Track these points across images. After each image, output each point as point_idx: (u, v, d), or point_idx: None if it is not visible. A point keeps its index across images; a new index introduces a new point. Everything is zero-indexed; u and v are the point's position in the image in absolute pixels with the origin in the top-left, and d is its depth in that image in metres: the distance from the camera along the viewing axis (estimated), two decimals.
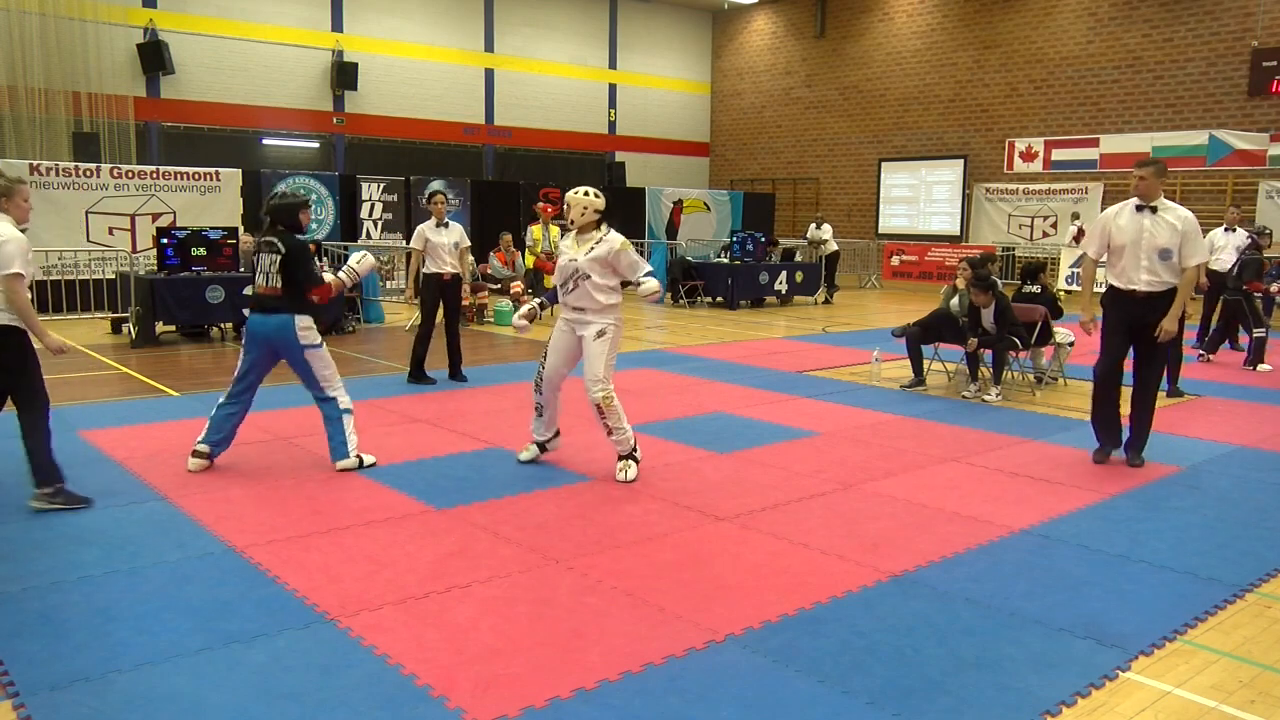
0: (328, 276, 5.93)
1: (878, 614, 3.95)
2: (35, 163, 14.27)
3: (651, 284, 5.88)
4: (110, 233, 14.41)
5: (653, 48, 27.36)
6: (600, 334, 5.90)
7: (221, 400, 5.95)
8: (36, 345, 4.96)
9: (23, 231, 4.99)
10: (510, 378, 9.38)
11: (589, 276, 5.85)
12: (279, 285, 5.75)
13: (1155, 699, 3.30)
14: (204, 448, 5.87)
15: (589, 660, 3.49)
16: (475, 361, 10.06)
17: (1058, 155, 21.20)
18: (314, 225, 16.71)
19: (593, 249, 5.88)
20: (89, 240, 14.14)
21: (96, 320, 12.88)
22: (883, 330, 12.86)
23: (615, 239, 5.94)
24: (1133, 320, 6.13)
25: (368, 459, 6.03)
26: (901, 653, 3.58)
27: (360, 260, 6.14)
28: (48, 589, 4.07)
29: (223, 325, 12.20)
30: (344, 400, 5.97)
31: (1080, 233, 18.88)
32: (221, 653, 3.51)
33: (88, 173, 14.43)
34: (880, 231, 24.47)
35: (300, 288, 5.76)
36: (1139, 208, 6.07)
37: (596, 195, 6.02)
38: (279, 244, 5.74)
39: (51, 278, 13.25)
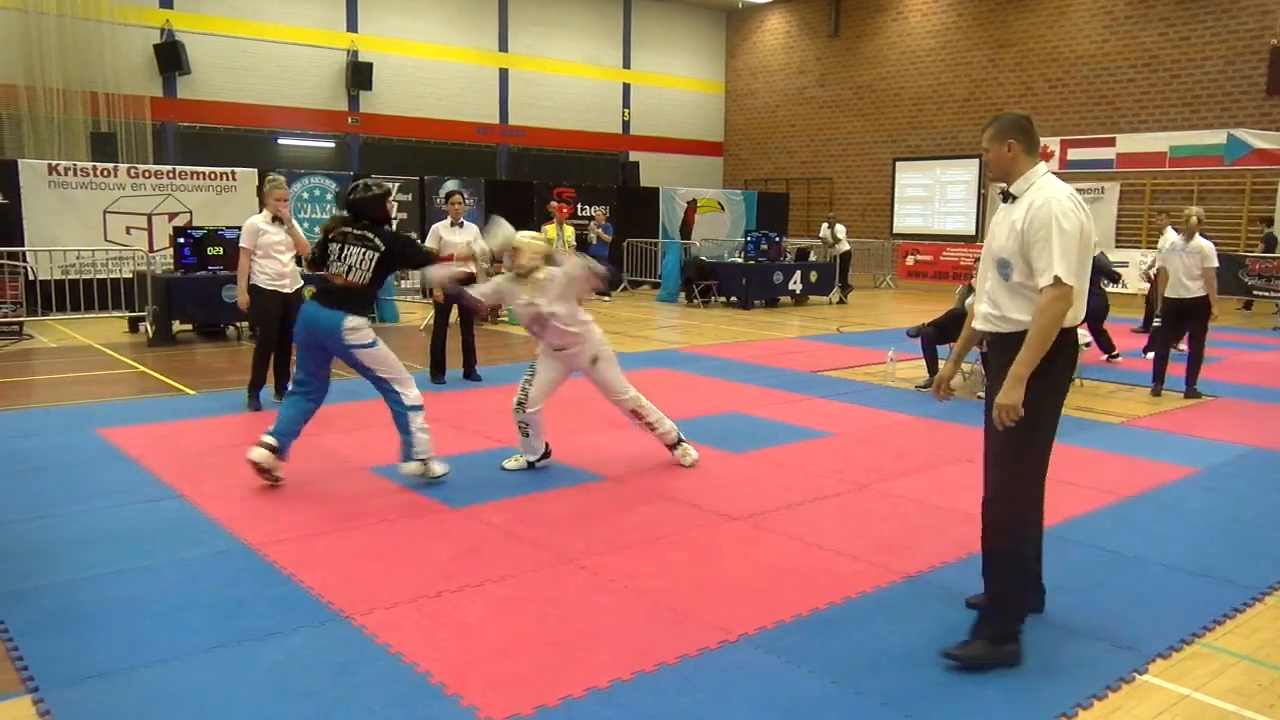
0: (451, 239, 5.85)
1: (891, 615, 3.93)
2: (54, 163, 14.37)
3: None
4: (127, 232, 14.49)
5: (667, 47, 27.35)
6: (595, 360, 5.98)
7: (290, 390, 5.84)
8: None
9: None
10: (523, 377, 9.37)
11: (555, 314, 5.83)
12: (367, 280, 5.56)
13: (1172, 703, 3.28)
14: (269, 440, 5.57)
15: (602, 659, 3.49)
16: (489, 361, 10.07)
17: (1074, 155, 21.07)
18: None
19: (546, 288, 5.80)
20: (106, 239, 14.22)
21: (114, 319, 12.95)
22: (897, 330, 12.82)
23: (559, 268, 5.84)
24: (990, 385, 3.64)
25: (437, 469, 5.68)
26: (915, 654, 3.57)
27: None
28: (65, 586, 4.10)
29: (238, 324, 12.25)
30: (409, 395, 5.64)
31: None
32: (238, 650, 3.53)
33: (105, 172, 14.52)
34: (895, 231, 24.38)
35: (378, 285, 5.67)
36: (1002, 195, 3.65)
37: (535, 237, 6.06)
38: (376, 240, 5.54)
39: (70, 277, 13.34)
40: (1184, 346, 9.22)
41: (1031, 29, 21.77)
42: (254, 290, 7.59)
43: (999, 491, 3.55)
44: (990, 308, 3.55)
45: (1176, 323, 9.00)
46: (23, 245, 12.87)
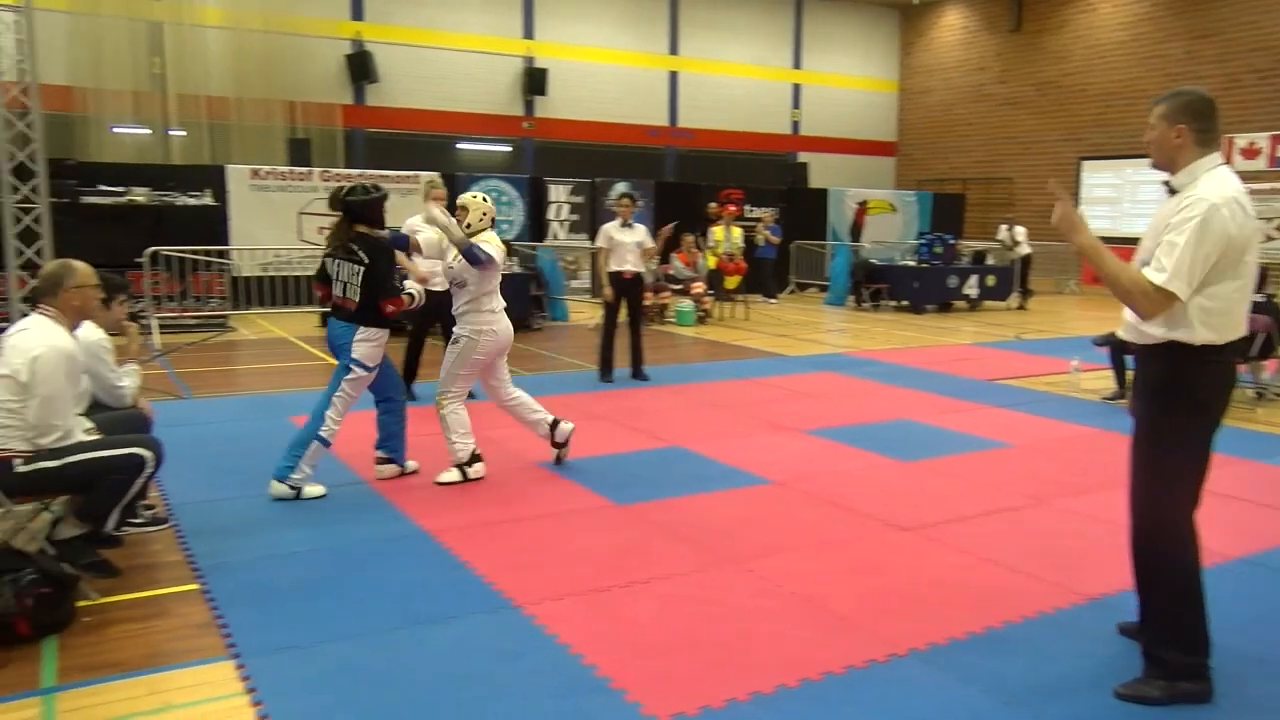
0: (415, 287, 5.59)
1: (1072, 638, 3.74)
2: (256, 167, 15.43)
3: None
4: (320, 232, 15.37)
5: (838, 46, 26.90)
6: (454, 341, 5.80)
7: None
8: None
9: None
10: (691, 377, 9.44)
11: (467, 283, 5.67)
12: (356, 298, 5.37)
13: None
14: (379, 453, 5.85)
15: (766, 664, 3.47)
16: (656, 361, 10.17)
17: None
18: (504, 226, 17.33)
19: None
20: (301, 239, 15.16)
21: (307, 314, 13.78)
22: (1082, 338, 12.17)
23: (496, 241, 5.78)
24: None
25: (310, 492, 5.36)
26: (1100, 681, 3.38)
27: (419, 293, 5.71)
28: (263, 561, 4.40)
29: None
30: (329, 427, 5.42)
31: None
32: (414, 631, 3.70)
33: (300, 176, 15.48)
34: None
35: (375, 301, 5.34)
36: (1166, 187, 3.32)
37: (485, 199, 5.92)
38: (361, 253, 5.31)
39: (268, 274, 14.29)
40: None
41: (1236, 16, 20.22)
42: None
43: (1147, 512, 3.33)
44: (1131, 315, 3.21)
45: None
46: (228, 244, 13.89)
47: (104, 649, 3.53)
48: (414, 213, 8.15)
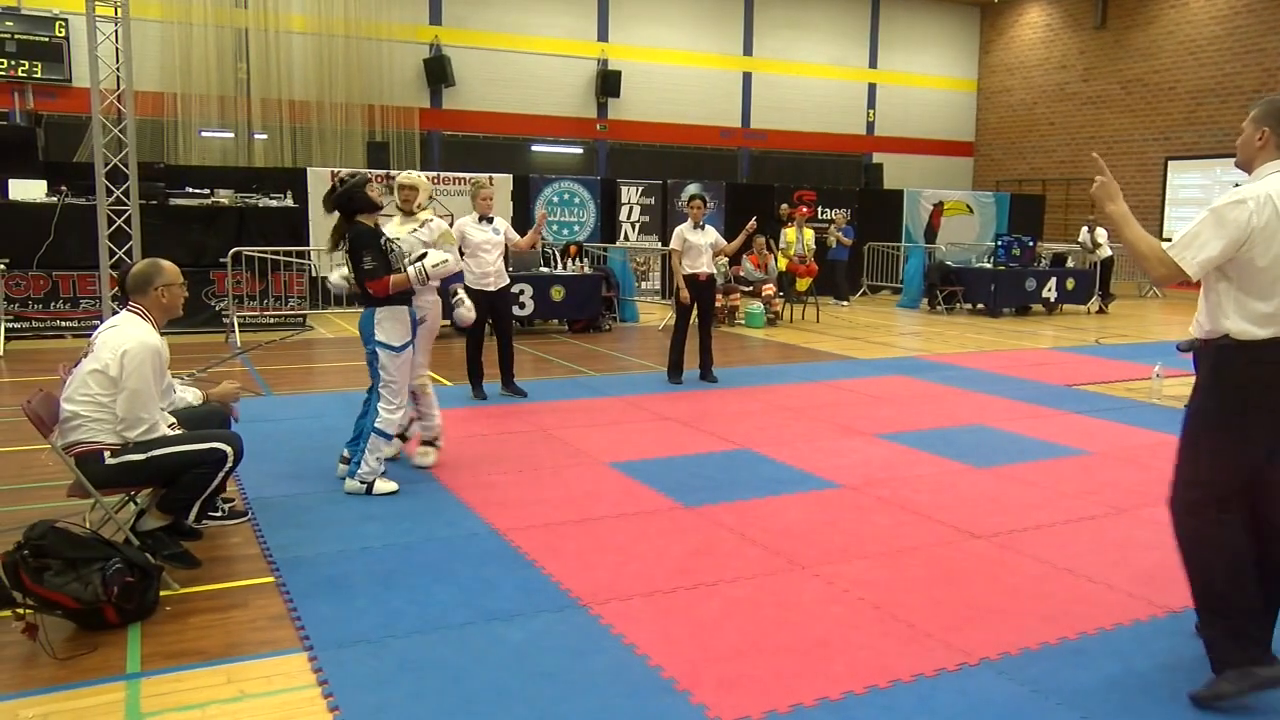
0: (411, 271, 5.38)
1: (1152, 651, 3.63)
2: (335, 170, 15.78)
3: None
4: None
5: (916, 45, 26.50)
6: (422, 320, 5.88)
7: None
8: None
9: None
10: (761, 380, 9.39)
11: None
12: (351, 279, 5.63)
13: None
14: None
15: (834, 670, 3.43)
16: (725, 363, 10.14)
17: None
18: (576, 226, 17.45)
19: (415, 230, 6.14)
20: None
21: None
22: (1165, 343, 11.80)
23: (438, 221, 6.17)
24: None
25: (383, 487, 5.44)
26: (1179, 696, 3.27)
27: (437, 265, 5.45)
28: (339, 556, 4.50)
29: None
30: (384, 418, 5.48)
31: None
32: (483, 628, 3.74)
33: (378, 179, 15.76)
34: (1165, 236, 22.46)
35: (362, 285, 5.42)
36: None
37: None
38: (347, 239, 5.46)
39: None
40: None
41: None
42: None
43: (1173, 496, 3.34)
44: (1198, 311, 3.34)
45: None
46: (308, 245, 14.22)
47: (185, 638, 3.64)
48: (503, 215, 8.28)
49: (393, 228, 6.13)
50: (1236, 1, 21.25)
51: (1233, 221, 3.08)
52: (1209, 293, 3.24)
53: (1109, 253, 18.13)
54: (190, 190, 13.65)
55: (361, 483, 5.43)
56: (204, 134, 18.89)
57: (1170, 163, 22.48)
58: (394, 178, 7.17)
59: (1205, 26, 21.89)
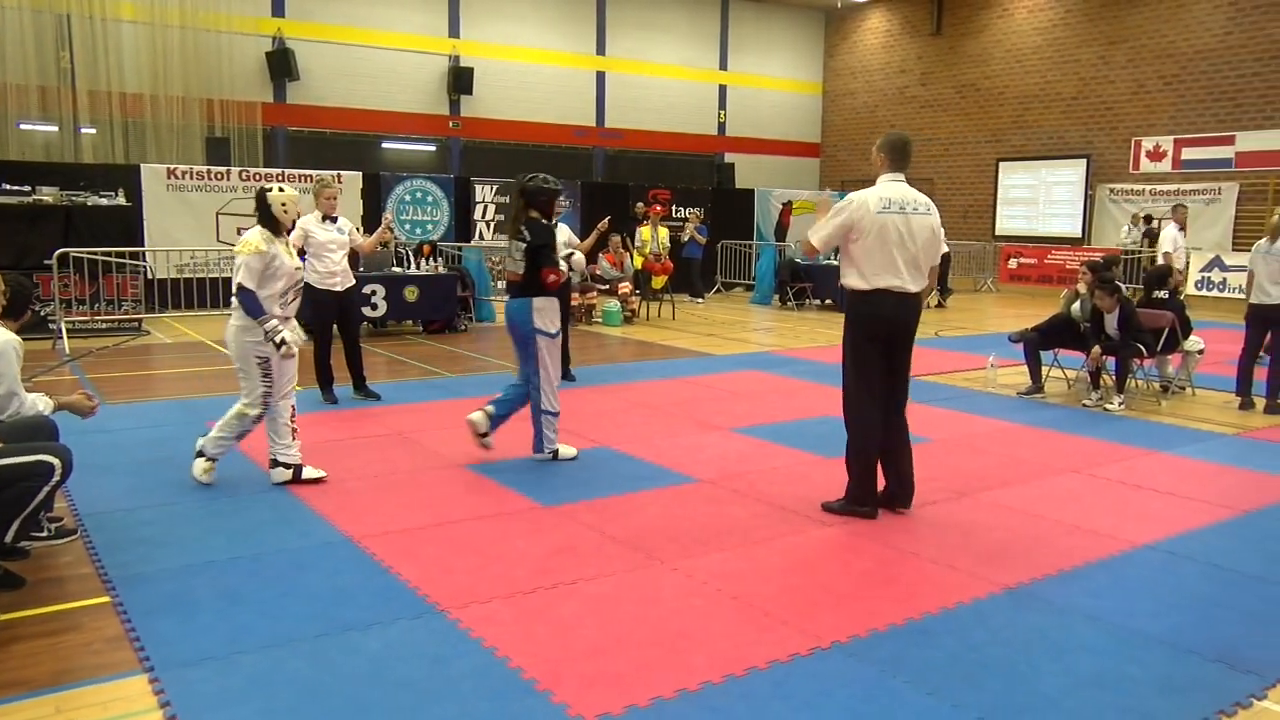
0: (563, 266, 6.26)
1: (991, 627, 3.83)
2: (172, 166, 15.03)
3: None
4: (238, 233, 15.01)
5: (764, 48, 27.16)
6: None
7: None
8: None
9: None
10: (618, 377, 9.44)
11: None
12: (521, 271, 6.05)
13: None
14: (489, 408, 6.32)
15: (693, 661, 3.48)
16: (583, 361, 10.16)
17: (1188, 154, 20.18)
18: (429, 225, 17.15)
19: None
20: (219, 240, 14.79)
21: (226, 316, 13.45)
22: (998, 335, 12.47)
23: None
24: None
25: (566, 452, 6.24)
26: (1015, 668, 3.47)
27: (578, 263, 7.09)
28: (180, 572, 4.28)
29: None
30: (548, 400, 6.15)
31: (1149, 235, 18.25)
32: (338, 639, 3.63)
33: (219, 176, 15.11)
34: (997, 233, 23.75)
35: (539, 272, 5.98)
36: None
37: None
38: (526, 233, 6.00)
39: (184, 275, 13.93)
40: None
41: (1146, 24, 20.93)
42: (306, 289, 7.45)
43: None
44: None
45: (1259, 329, 8.52)
46: (143, 245, 13.49)
47: (7, 667, 3.39)
48: (352, 214, 8.12)
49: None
50: (1054, 15, 22.66)
51: (845, 213, 5.31)
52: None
53: (946, 249, 19.02)
54: (8, 187, 12.70)
55: (549, 450, 6.19)
56: (23, 126, 17.63)
57: (1001, 163, 23.79)
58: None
59: (1029, 37, 23.25)
